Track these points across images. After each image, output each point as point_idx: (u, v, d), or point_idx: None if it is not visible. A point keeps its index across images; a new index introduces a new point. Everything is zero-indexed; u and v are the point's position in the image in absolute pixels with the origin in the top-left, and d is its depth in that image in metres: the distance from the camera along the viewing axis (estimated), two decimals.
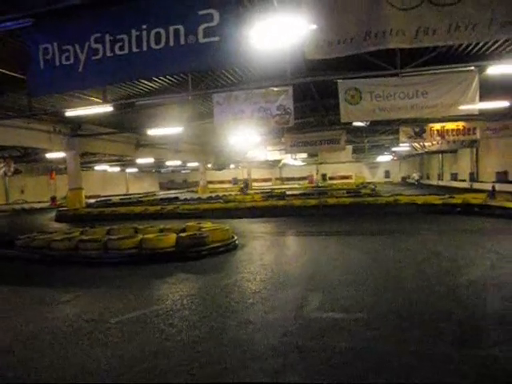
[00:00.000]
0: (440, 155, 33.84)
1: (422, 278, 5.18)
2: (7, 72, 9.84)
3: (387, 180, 47.43)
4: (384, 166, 48.45)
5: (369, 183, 38.00)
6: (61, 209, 19.00)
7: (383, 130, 22.43)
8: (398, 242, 7.89)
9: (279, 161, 34.53)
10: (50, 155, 20.06)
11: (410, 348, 3.15)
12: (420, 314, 3.90)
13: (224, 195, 24.25)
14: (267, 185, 45.88)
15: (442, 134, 17.30)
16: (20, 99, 12.88)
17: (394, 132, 21.26)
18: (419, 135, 17.70)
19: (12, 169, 22.46)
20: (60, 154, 18.97)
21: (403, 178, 45.85)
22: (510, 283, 4.76)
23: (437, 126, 17.16)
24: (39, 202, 27.81)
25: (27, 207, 25.37)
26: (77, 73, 5.96)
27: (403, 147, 26.80)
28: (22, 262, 7.61)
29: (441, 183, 32.66)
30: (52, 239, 7.84)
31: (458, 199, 12.96)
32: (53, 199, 26.96)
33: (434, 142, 20.74)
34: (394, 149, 31.42)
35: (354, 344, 3.26)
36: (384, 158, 41.00)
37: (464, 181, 27.35)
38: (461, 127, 16.91)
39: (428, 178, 39.25)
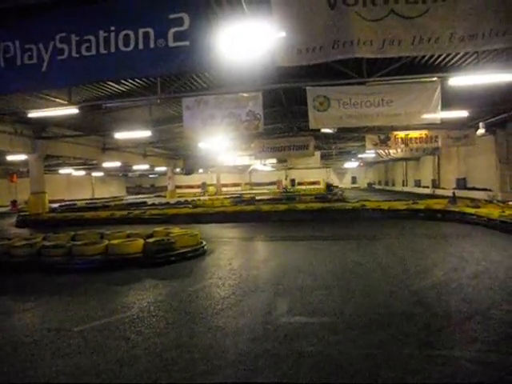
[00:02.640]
0: (404, 162, 34.92)
1: (387, 282, 5.31)
2: None
3: (354, 186, 48.51)
4: (351, 172, 49.56)
5: (335, 186, 38.67)
6: (22, 213, 18.27)
7: (350, 136, 22.94)
8: (364, 247, 8.06)
9: (249, 166, 34.62)
10: (10, 157, 19.26)
11: (375, 350, 3.22)
12: (385, 316, 3.99)
13: (193, 200, 24.06)
14: (237, 190, 45.86)
15: (405, 141, 17.87)
16: None
17: (361, 139, 21.78)
18: (384, 142, 18.21)
19: None
20: (22, 157, 18.26)
21: (369, 184, 47.03)
22: (471, 285, 4.95)
23: (401, 134, 17.72)
24: None
25: None
26: (40, 73, 5.78)
27: (369, 154, 27.50)
28: None
29: (405, 189, 33.69)
30: (12, 245, 7.52)
31: (421, 205, 13.41)
32: (13, 203, 25.94)
33: (399, 150, 21.39)
34: (360, 155, 32.17)
35: (321, 348, 3.30)
36: (351, 165, 41.93)
37: (427, 187, 28.33)
38: (423, 135, 17.53)
39: (393, 184, 40.39)
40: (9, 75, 5.98)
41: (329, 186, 36.63)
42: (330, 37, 5.95)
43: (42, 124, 16.69)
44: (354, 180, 50.16)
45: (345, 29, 5.87)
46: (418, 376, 2.81)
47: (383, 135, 18.12)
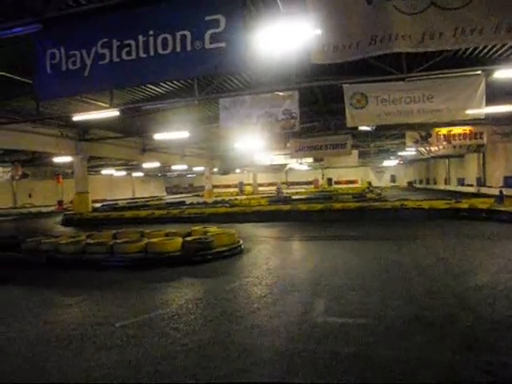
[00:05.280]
0: (447, 160, 33.68)
1: (428, 283, 5.14)
2: (15, 77, 9.95)
3: (393, 184, 47.31)
4: (390, 171, 48.36)
5: (375, 187, 37.87)
6: (67, 213, 19.09)
7: (389, 134, 22.38)
8: (404, 247, 7.84)
9: (285, 165, 34.56)
10: (57, 159, 20.20)
11: (414, 354, 3.12)
12: (426, 319, 3.86)
13: (230, 199, 24.28)
14: (273, 189, 45.85)
15: (448, 138, 17.24)
16: (28, 104, 13.00)
17: (401, 136, 21.22)
18: (425, 140, 17.66)
19: (20, 173, 22.65)
20: (67, 159, 19.11)
21: (409, 183, 45.68)
22: None
23: (443, 130, 17.10)
24: (46, 206, 28.00)
25: (34, 211, 25.54)
26: (83, 77, 6.01)
27: (409, 152, 26.75)
28: (29, 265, 7.65)
29: (448, 188, 32.48)
30: (58, 243, 7.89)
31: (464, 204, 12.88)
32: (59, 203, 27.13)
33: (441, 147, 20.67)
34: (400, 153, 31.36)
35: (358, 349, 3.24)
36: (390, 163, 40.95)
37: (471, 185, 27.18)
38: (467, 131, 16.83)
39: (435, 182, 39.05)
40: (55, 81, 6.26)
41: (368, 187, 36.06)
42: (367, 32, 5.82)
43: (85, 127, 17.39)
44: (393, 179, 48.92)
45: (382, 24, 5.72)
46: (457, 382, 2.70)
47: (424, 132, 17.58)
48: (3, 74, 9.79)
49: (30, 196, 31.52)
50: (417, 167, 46.27)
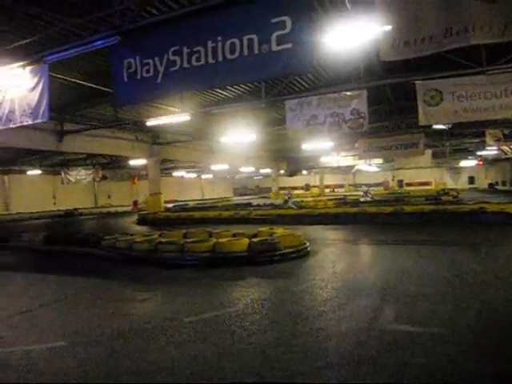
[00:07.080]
0: None
1: (507, 294, 4.73)
2: (96, 86, 10.75)
3: (471, 186, 44.19)
4: (468, 172, 45.22)
5: (451, 190, 35.63)
6: (142, 212, 20.20)
7: (467, 132, 20.95)
8: (482, 254, 7.29)
9: (352, 166, 33.74)
10: (132, 162, 21.47)
11: (491, 368, 2.88)
12: (505, 332, 3.56)
13: (296, 201, 24.13)
14: (340, 191, 44.99)
15: None
16: (106, 111, 14.02)
17: (480, 135, 19.81)
18: (509, 137, 16.33)
19: (100, 175, 24.42)
20: (141, 161, 20.23)
21: (490, 185, 42.35)
22: None
23: None
24: (123, 206, 29.87)
25: (113, 210, 27.36)
26: (156, 84, 6.32)
27: (490, 151, 24.85)
28: (107, 261, 8.21)
29: None
30: (133, 240, 8.36)
31: None
32: (134, 203, 28.76)
33: None
34: (479, 153, 29.24)
35: (429, 360, 3.05)
36: (468, 163, 38.28)
37: None
38: None
39: None
40: (131, 88, 6.66)
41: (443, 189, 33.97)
42: (441, 25, 5.50)
43: (158, 131, 18.31)
44: (471, 180, 45.73)
45: (458, 15, 5.38)
46: None
47: (508, 129, 16.24)
48: (88, 84, 10.64)
49: (109, 197, 33.87)
50: (499, 168, 42.72)
